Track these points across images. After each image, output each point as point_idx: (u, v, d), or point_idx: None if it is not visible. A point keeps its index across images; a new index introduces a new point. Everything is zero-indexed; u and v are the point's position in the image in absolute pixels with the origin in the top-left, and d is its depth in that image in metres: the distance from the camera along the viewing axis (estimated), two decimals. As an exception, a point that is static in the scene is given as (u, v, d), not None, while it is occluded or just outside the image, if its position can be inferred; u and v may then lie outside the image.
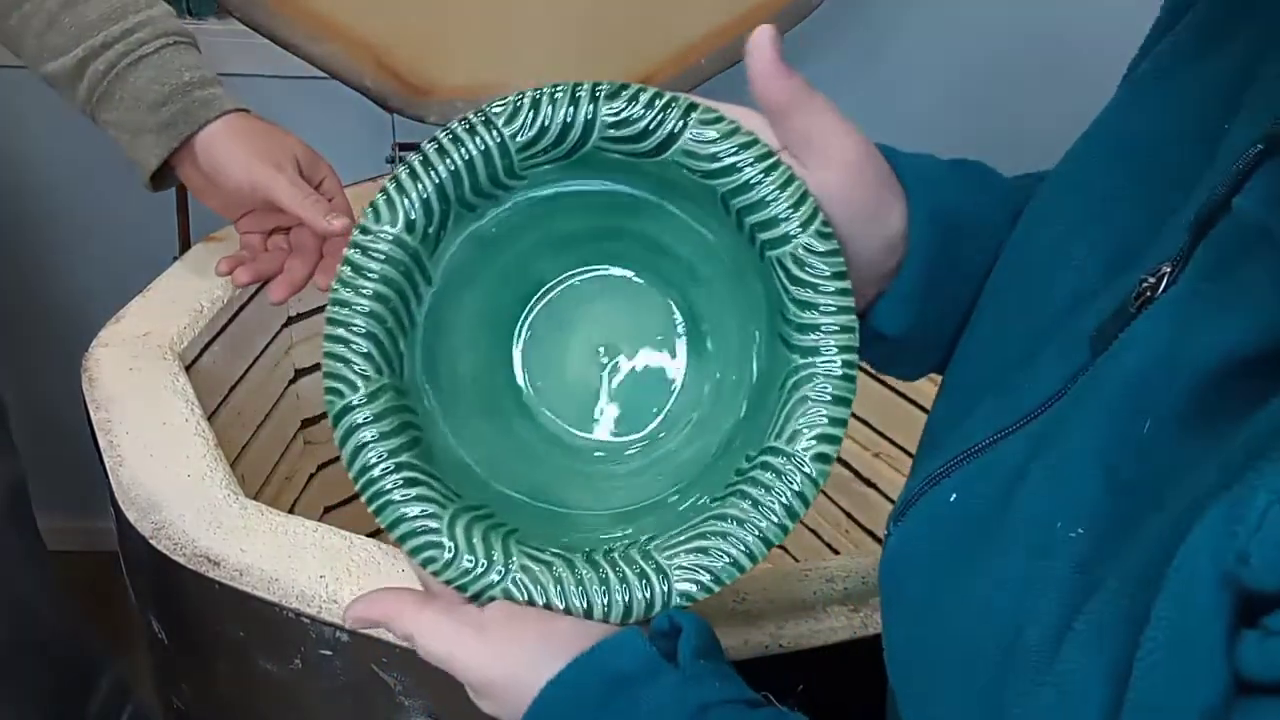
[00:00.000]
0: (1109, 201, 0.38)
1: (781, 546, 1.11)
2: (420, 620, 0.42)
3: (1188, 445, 0.28)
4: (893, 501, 0.44)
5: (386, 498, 0.41)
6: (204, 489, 0.62)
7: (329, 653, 0.56)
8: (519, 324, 0.48)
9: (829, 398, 0.40)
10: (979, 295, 0.44)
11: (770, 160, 0.39)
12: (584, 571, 0.41)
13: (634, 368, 0.48)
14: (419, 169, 0.41)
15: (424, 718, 0.56)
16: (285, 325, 0.90)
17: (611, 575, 0.41)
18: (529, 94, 0.40)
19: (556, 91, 0.39)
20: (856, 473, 1.02)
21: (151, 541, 0.59)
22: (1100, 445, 0.31)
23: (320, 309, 0.92)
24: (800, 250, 0.39)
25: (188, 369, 0.74)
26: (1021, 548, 0.32)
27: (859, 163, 0.40)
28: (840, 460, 1.01)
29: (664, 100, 0.39)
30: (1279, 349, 0.27)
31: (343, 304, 0.41)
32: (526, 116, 0.40)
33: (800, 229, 0.39)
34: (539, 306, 0.48)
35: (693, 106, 0.39)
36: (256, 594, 0.56)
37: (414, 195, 0.41)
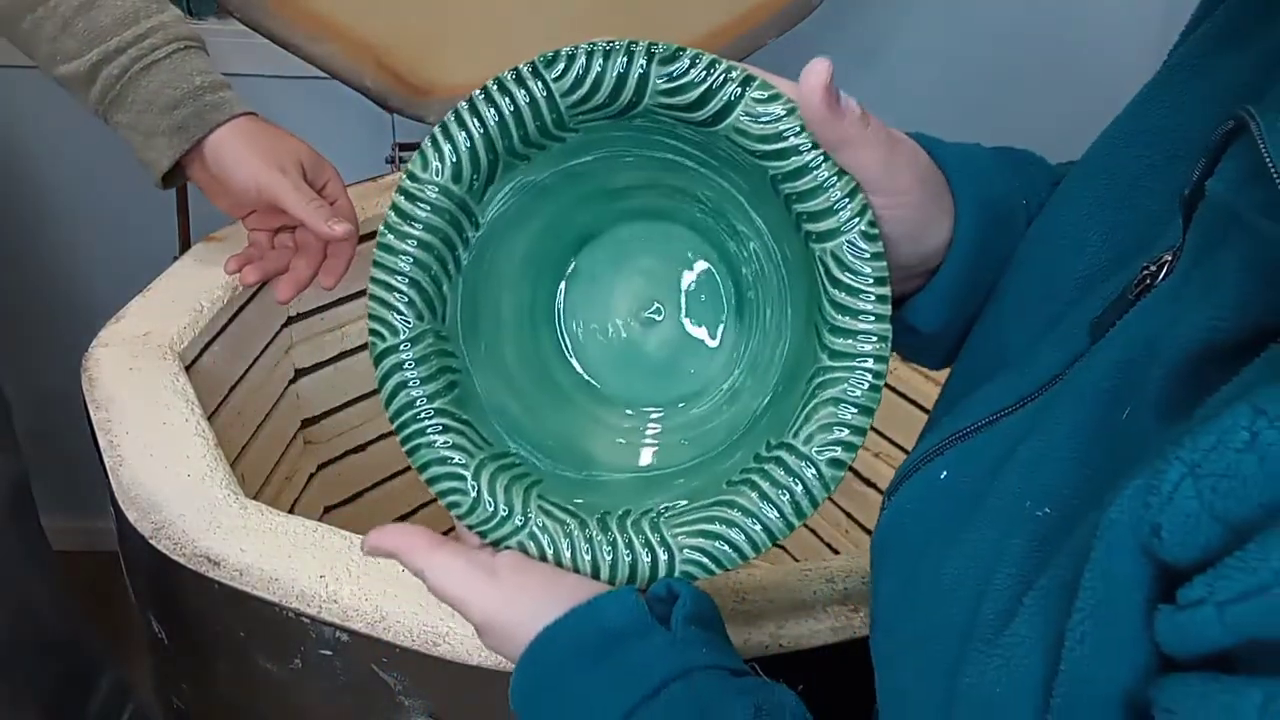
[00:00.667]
0: (1127, 190, 0.38)
1: (781, 546, 1.11)
2: (432, 559, 0.43)
3: (1160, 433, 0.28)
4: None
5: (420, 440, 0.43)
6: (204, 489, 0.62)
7: (329, 653, 0.56)
8: (564, 271, 0.48)
9: (853, 406, 0.39)
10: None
11: None
12: (595, 534, 0.42)
13: (675, 325, 0.48)
14: (466, 117, 0.41)
15: (424, 718, 0.56)
16: (285, 325, 0.90)
17: (620, 541, 0.42)
18: (582, 47, 0.39)
19: (610, 46, 0.39)
20: (856, 472, 1.02)
21: (151, 541, 0.59)
22: (1079, 431, 0.32)
23: (320, 310, 0.92)
24: (845, 249, 0.38)
25: (188, 369, 0.74)
26: (994, 525, 0.32)
27: (911, 190, 0.39)
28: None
29: (722, 67, 0.38)
30: (1251, 336, 0.26)
31: (388, 249, 0.42)
32: (577, 69, 0.39)
33: (850, 222, 0.38)
34: (585, 255, 0.48)
35: (750, 78, 0.38)
36: (256, 594, 0.56)
37: (460, 143, 0.41)
